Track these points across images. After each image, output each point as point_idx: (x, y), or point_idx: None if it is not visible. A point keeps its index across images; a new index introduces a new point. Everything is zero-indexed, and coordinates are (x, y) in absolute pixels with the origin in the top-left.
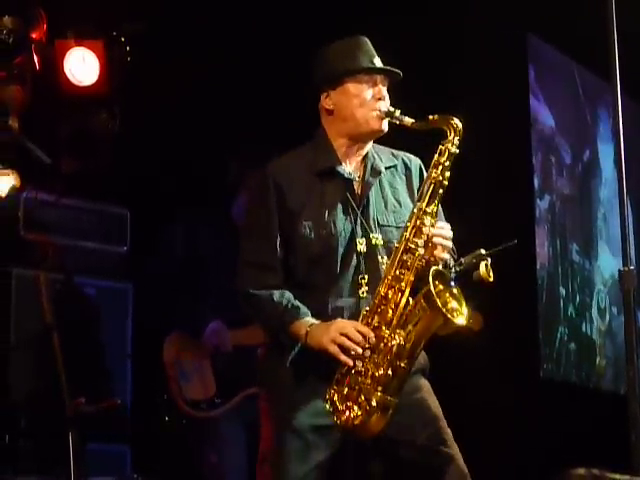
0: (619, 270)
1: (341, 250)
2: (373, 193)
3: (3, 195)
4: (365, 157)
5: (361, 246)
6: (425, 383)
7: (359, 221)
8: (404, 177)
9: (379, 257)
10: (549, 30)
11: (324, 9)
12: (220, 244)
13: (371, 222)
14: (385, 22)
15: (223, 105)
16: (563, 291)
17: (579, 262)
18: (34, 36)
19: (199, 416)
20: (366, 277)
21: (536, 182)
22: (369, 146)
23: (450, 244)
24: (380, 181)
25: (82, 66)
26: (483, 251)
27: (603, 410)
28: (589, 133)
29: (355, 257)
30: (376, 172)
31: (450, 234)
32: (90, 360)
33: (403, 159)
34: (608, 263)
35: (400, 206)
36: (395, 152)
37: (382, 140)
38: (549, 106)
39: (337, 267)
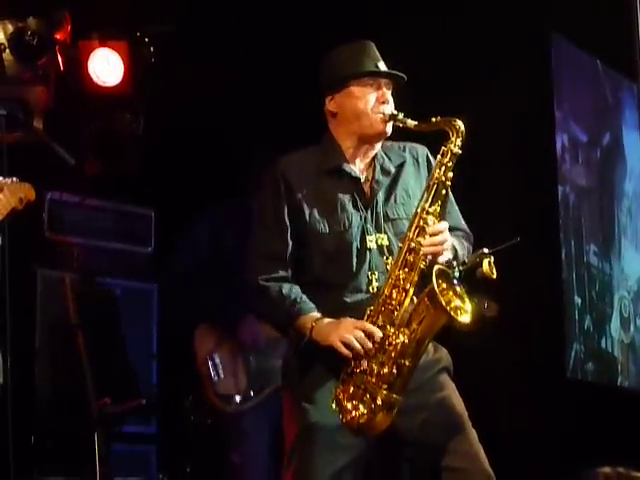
0: None
1: (355, 246)
2: (383, 191)
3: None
4: (374, 158)
5: (371, 243)
6: (450, 383)
7: (369, 219)
8: (412, 168)
9: (386, 256)
10: (572, 28)
11: (349, 8)
12: (245, 241)
13: (381, 219)
14: (405, 21)
15: (246, 105)
16: (579, 301)
17: (598, 266)
18: (58, 37)
19: (230, 410)
20: (376, 273)
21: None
22: (377, 147)
23: (447, 246)
24: (390, 179)
25: (106, 67)
26: (486, 250)
27: (629, 409)
28: (610, 115)
29: (368, 254)
30: (386, 172)
31: (445, 237)
32: (115, 360)
33: (410, 151)
34: (634, 265)
35: (409, 197)
36: (402, 145)
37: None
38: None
39: (353, 263)
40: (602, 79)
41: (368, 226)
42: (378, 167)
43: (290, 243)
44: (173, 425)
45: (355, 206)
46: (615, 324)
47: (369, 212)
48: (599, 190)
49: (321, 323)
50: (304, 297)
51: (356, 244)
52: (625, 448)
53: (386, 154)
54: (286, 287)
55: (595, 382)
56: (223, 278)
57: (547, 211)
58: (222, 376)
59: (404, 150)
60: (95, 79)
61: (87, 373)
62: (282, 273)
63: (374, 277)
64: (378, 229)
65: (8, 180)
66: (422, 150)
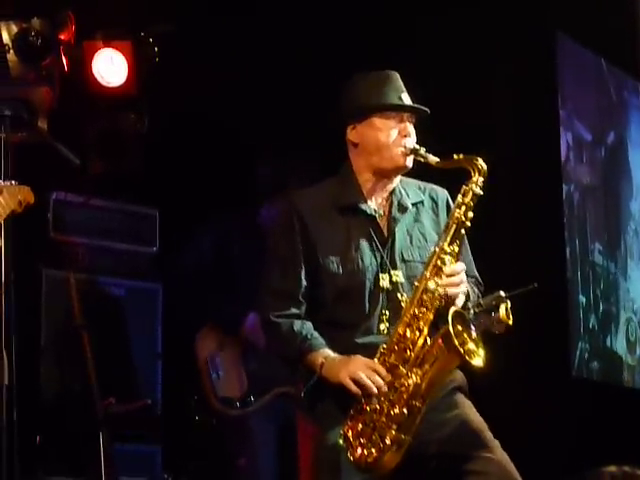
0: None
1: (369, 286)
2: (399, 229)
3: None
4: (392, 193)
5: (384, 282)
6: (465, 400)
7: (384, 257)
8: (430, 211)
9: (401, 293)
10: (576, 27)
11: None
12: (249, 245)
13: (396, 258)
14: (406, 21)
15: (251, 104)
16: (583, 299)
17: (602, 264)
18: (62, 37)
19: (231, 414)
20: (387, 313)
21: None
22: (396, 181)
23: (463, 288)
24: (406, 216)
25: (110, 67)
26: (502, 293)
27: (634, 407)
28: (614, 114)
29: (381, 293)
30: (403, 208)
31: (462, 279)
32: (120, 360)
33: (430, 193)
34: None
35: (426, 241)
36: (422, 185)
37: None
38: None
39: (365, 304)
40: (606, 78)
41: (383, 264)
42: (395, 202)
43: (304, 282)
44: (178, 425)
45: (370, 244)
46: (621, 344)
47: (385, 250)
48: (604, 189)
49: (331, 360)
50: (315, 334)
51: (369, 284)
52: (631, 447)
53: (404, 189)
54: (297, 323)
55: (600, 381)
56: (227, 283)
57: (552, 210)
58: (223, 379)
59: (424, 191)
60: (99, 79)
61: (92, 373)
62: (294, 310)
63: (385, 317)
64: (393, 267)
65: (7, 183)
66: (442, 194)
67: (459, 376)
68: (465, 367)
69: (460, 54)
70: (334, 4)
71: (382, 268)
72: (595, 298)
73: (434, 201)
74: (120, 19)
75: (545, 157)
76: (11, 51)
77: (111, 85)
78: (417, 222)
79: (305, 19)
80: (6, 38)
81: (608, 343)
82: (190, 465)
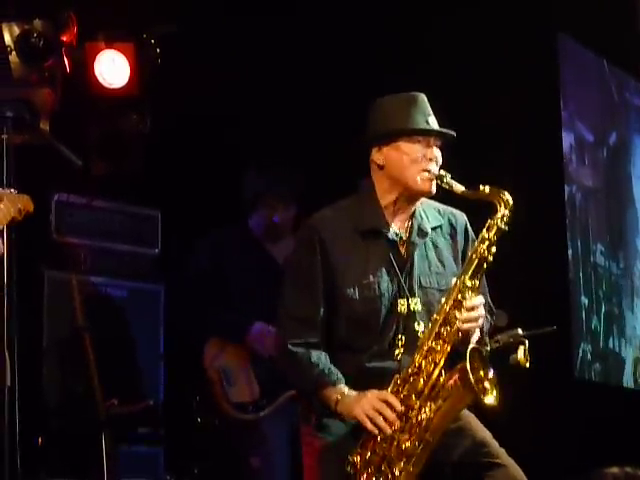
0: None
1: (384, 311)
2: (417, 254)
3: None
4: (412, 215)
5: (402, 307)
6: (467, 412)
7: (402, 283)
8: (449, 237)
9: (417, 320)
10: (578, 28)
11: (356, 12)
12: (243, 257)
13: (414, 284)
14: (407, 22)
15: (253, 106)
16: (585, 301)
17: (604, 265)
18: (64, 39)
19: (246, 418)
20: (403, 339)
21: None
22: (417, 204)
23: (481, 323)
24: (425, 242)
25: (112, 68)
26: (520, 331)
27: (636, 408)
28: (616, 114)
29: (396, 319)
30: (423, 233)
31: (481, 313)
32: (122, 362)
33: (449, 218)
34: None
35: (444, 267)
36: (442, 209)
37: None
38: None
39: (379, 329)
40: (608, 78)
41: (401, 290)
42: (416, 226)
43: (322, 307)
44: (180, 426)
45: (389, 270)
46: (628, 370)
47: (403, 275)
48: (606, 190)
49: (346, 397)
50: (332, 368)
51: (385, 310)
52: (633, 448)
53: (425, 212)
54: (315, 355)
55: (602, 382)
56: (224, 294)
57: (554, 211)
58: (235, 386)
59: (443, 216)
60: (101, 80)
61: (94, 374)
62: (312, 339)
63: (400, 343)
64: (412, 293)
65: (7, 191)
66: (461, 219)
67: None
68: (477, 405)
69: (461, 55)
70: (335, 9)
71: (400, 294)
72: (597, 299)
73: (452, 226)
74: (122, 20)
75: (547, 158)
76: (13, 52)
77: (113, 86)
78: (435, 247)
79: (308, 22)
80: (8, 39)
81: (610, 344)
82: (193, 466)
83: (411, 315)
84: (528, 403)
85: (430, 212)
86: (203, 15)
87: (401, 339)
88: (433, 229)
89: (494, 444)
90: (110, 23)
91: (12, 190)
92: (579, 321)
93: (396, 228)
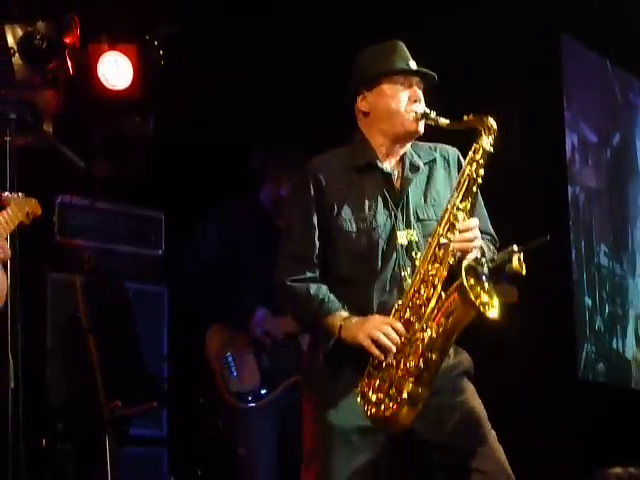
0: None
1: (382, 244)
2: (412, 188)
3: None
4: (403, 155)
5: (401, 239)
6: (470, 386)
7: (399, 215)
8: (442, 169)
9: (417, 252)
10: (581, 28)
11: (358, 12)
12: (255, 231)
13: (411, 217)
14: (417, 23)
15: (256, 107)
16: (589, 301)
17: (608, 266)
18: (67, 41)
19: (245, 407)
20: (408, 270)
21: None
22: (407, 146)
23: (477, 244)
24: (418, 176)
25: (115, 70)
26: (516, 247)
27: None
28: (620, 115)
29: (395, 251)
30: (415, 168)
31: (476, 234)
32: (126, 363)
33: (441, 151)
34: None
35: (440, 199)
36: (432, 145)
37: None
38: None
39: (378, 262)
40: (611, 79)
41: (398, 223)
42: (407, 163)
43: (317, 244)
44: (184, 428)
45: (385, 203)
46: (630, 342)
47: (399, 209)
48: (609, 191)
49: (349, 322)
50: (332, 296)
51: (383, 242)
52: (637, 448)
53: (415, 151)
54: (313, 287)
55: (606, 382)
56: (233, 273)
57: (557, 212)
58: (235, 374)
59: (435, 150)
60: (104, 82)
61: (98, 376)
62: (310, 274)
63: (406, 274)
64: (408, 226)
65: (15, 195)
66: (453, 152)
67: (466, 359)
68: (481, 320)
69: (465, 55)
70: (336, 9)
71: (397, 227)
72: (601, 300)
73: (445, 159)
74: (125, 22)
75: (550, 159)
76: (16, 54)
77: (116, 88)
78: (430, 181)
79: (308, 23)
80: (11, 41)
81: (614, 345)
82: (196, 468)
83: (410, 247)
84: (532, 403)
85: (421, 150)
86: (206, 16)
87: (406, 270)
88: (426, 163)
89: (488, 428)
90: (113, 25)
91: (19, 194)
92: (583, 322)
93: (389, 166)
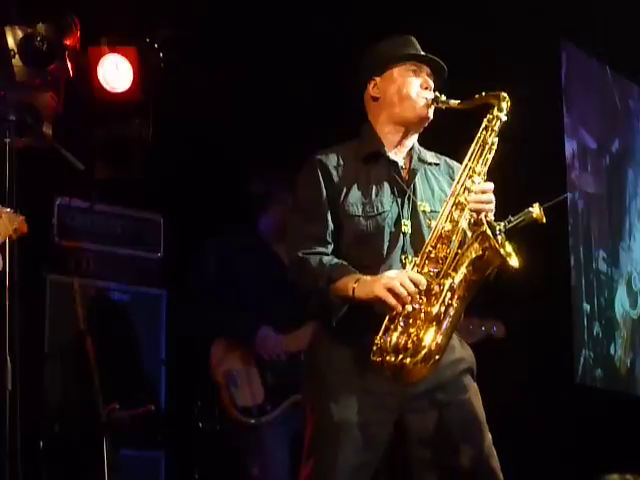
0: None
1: (388, 230)
2: (420, 180)
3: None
4: (411, 149)
5: (406, 227)
6: (473, 385)
7: (405, 203)
8: (447, 175)
9: (422, 239)
10: (582, 35)
11: (358, 13)
12: (253, 261)
13: (418, 207)
14: (415, 28)
15: (257, 110)
16: (587, 307)
17: (607, 272)
18: (68, 43)
19: (250, 423)
20: (410, 257)
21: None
22: (414, 139)
23: (492, 207)
24: (426, 171)
25: (115, 73)
26: (531, 209)
27: (637, 415)
28: (619, 121)
29: (401, 238)
30: (422, 161)
31: (491, 198)
32: (124, 366)
33: (446, 161)
34: None
35: (447, 196)
36: (438, 155)
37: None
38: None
39: (385, 247)
40: (611, 85)
41: (404, 211)
42: (415, 156)
43: (330, 224)
44: (182, 431)
45: (392, 191)
46: (622, 296)
47: (406, 196)
48: (607, 197)
49: (364, 279)
50: (344, 262)
51: (389, 228)
52: (634, 455)
53: (422, 150)
54: (326, 258)
55: (604, 388)
56: (234, 299)
57: (556, 218)
58: (240, 390)
59: (439, 159)
60: (104, 85)
61: (96, 379)
62: (322, 249)
63: (407, 260)
64: (413, 216)
65: (6, 209)
66: (458, 165)
67: (468, 356)
68: (503, 269)
69: (464, 62)
70: (339, 10)
71: (404, 214)
72: (599, 306)
73: (450, 167)
74: (125, 25)
75: (550, 165)
76: (16, 56)
77: (116, 91)
78: (436, 179)
79: (309, 24)
80: (11, 43)
81: (612, 351)
82: (194, 471)
83: (416, 234)
84: (530, 408)
85: (427, 153)
86: (206, 19)
87: (408, 257)
88: (431, 164)
89: (485, 431)
90: (113, 27)
91: (9, 210)
92: (581, 328)
93: (396, 157)
